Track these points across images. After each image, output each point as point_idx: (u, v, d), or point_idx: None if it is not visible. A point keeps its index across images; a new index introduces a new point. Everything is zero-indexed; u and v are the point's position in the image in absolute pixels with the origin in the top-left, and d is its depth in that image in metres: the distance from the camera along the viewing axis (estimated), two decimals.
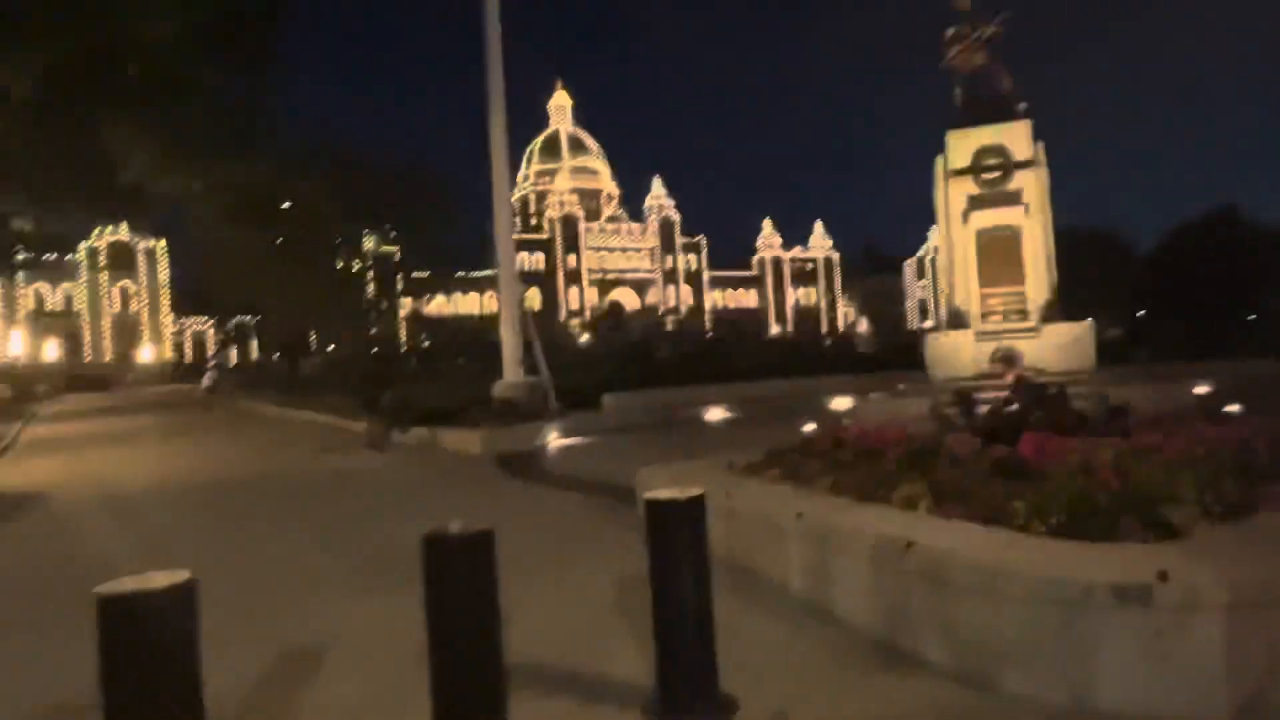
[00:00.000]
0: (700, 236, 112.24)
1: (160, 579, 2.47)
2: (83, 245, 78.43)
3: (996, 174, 14.20)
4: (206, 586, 2.59)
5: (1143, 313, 49.62)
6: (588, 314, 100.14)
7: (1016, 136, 14.37)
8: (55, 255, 66.57)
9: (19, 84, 16.48)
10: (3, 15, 15.47)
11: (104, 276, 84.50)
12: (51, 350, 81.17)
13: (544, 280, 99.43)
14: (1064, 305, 14.37)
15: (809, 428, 9.38)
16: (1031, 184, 14.24)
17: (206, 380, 43.56)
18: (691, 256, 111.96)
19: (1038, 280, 14.09)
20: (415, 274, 55.62)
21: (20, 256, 30.92)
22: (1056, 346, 13.26)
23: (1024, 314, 14.04)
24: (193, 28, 17.29)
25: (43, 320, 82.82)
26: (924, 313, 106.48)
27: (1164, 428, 5.83)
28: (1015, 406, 6.41)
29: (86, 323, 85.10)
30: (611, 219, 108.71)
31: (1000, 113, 14.59)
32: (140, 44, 17.47)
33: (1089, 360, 13.39)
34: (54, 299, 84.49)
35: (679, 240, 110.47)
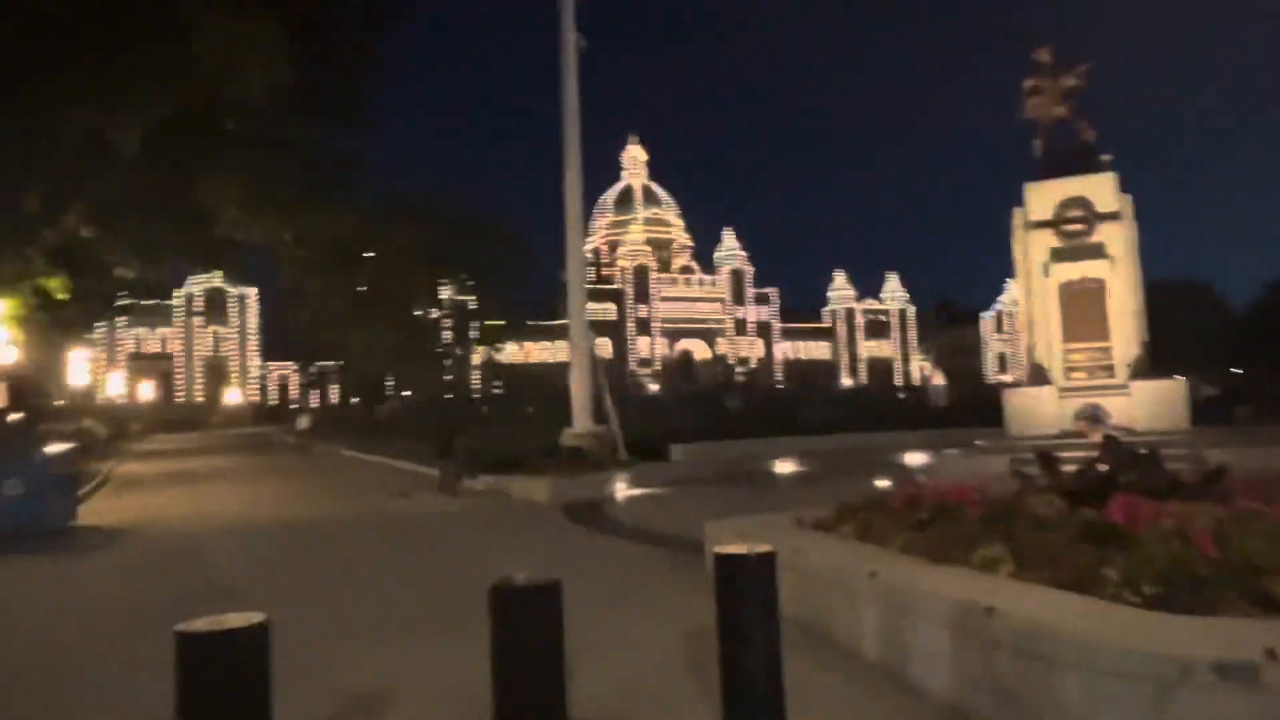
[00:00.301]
0: (771, 288, 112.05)
1: (236, 619, 2.52)
2: (179, 292, 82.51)
3: (1079, 226, 13.85)
4: (278, 624, 2.63)
5: (1240, 371, 47.20)
6: (657, 364, 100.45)
7: (1100, 188, 14.02)
8: (154, 301, 70.30)
9: (127, 141, 17.61)
10: (113, 80, 16.62)
11: (197, 322, 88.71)
12: (146, 391, 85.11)
13: (614, 330, 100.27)
14: (1154, 362, 13.82)
15: (882, 484, 9.14)
16: (1117, 237, 13.83)
17: (303, 422, 44.51)
18: (762, 307, 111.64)
19: (1125, 336, 13.59)
20: (489, 322, 56.86)
21: (122, 302, 32.72)
22: (1147, 404, 12.71)
23: (1110, 370, 13.54)
24: (287, 88, 18.26)
25: (140, 362, 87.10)
26: (1002, 367, 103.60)
27: (1267, 493, 5.48)
28: (1103, 467, 6.12)
29: (180, 365, 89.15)
30: (683, 269, 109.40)
31: (1083, 164, 14.29)
32: (237, 103, 18.53)
33: (1182, 420, 12.79)
34: (151, 342, 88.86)
35: (750, 291, 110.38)
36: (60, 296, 21.45)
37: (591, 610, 5.85)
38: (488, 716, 3.00)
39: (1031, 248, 14.18)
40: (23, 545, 10.79)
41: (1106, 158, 14.40)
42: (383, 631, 6.17)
